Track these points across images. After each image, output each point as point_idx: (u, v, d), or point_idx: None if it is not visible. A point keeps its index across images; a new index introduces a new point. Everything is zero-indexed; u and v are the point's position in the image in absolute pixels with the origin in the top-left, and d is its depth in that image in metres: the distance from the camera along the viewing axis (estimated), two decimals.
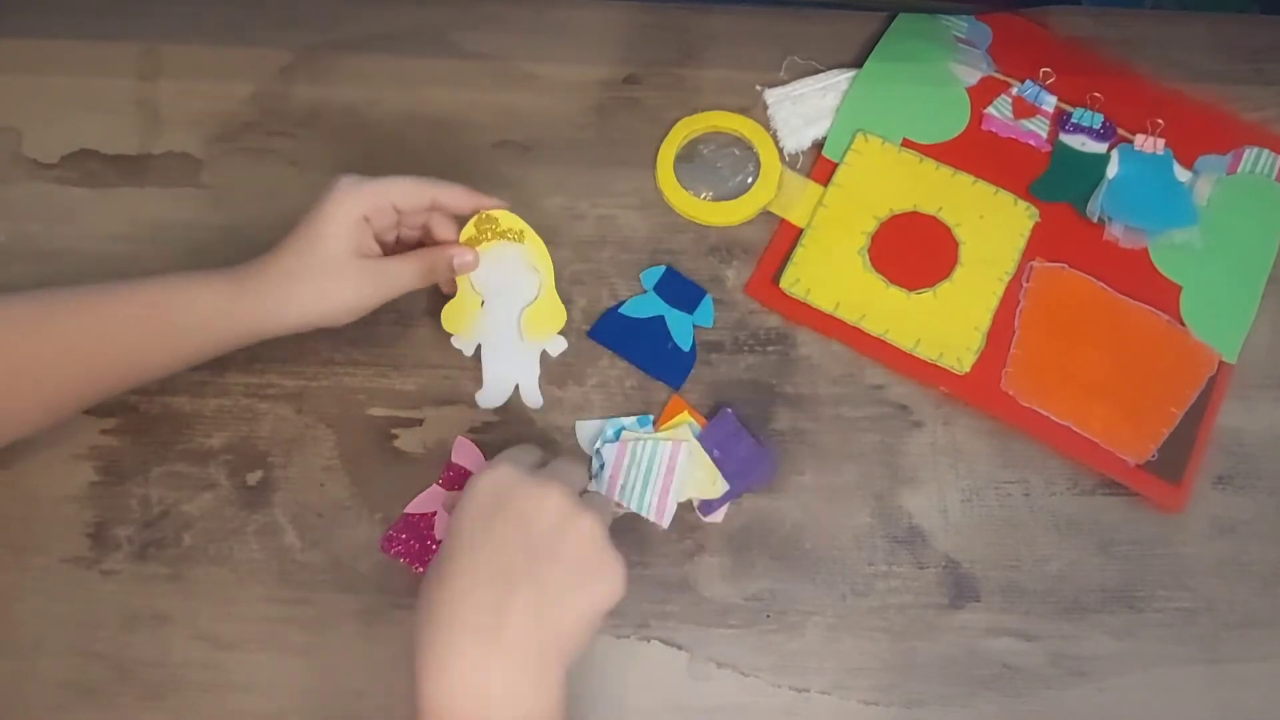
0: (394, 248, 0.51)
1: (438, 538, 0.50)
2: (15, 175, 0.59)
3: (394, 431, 0.53)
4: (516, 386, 0.54)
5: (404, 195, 0.49)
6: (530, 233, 0.53)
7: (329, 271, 0.47)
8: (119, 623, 0.50)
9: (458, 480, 0.52)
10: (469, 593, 0.39)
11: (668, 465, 0.51)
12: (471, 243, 0.52)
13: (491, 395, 0.53)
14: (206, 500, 0.52)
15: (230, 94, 0.61)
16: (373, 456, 0.53)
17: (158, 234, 0.57)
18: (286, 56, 0.62)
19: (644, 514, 0.51)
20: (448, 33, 0.63)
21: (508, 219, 0.52)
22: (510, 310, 0.53)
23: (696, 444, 0.52)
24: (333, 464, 0.53)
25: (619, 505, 0.51)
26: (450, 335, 0.54)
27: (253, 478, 0.52)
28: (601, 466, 0.52)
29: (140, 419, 0.53)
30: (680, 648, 0.50)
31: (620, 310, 0.56)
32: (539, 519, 0.40)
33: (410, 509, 0.51)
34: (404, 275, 0.50)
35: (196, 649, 0.49)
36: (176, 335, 0.47)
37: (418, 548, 0.50)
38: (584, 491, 0.45)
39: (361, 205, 0.48)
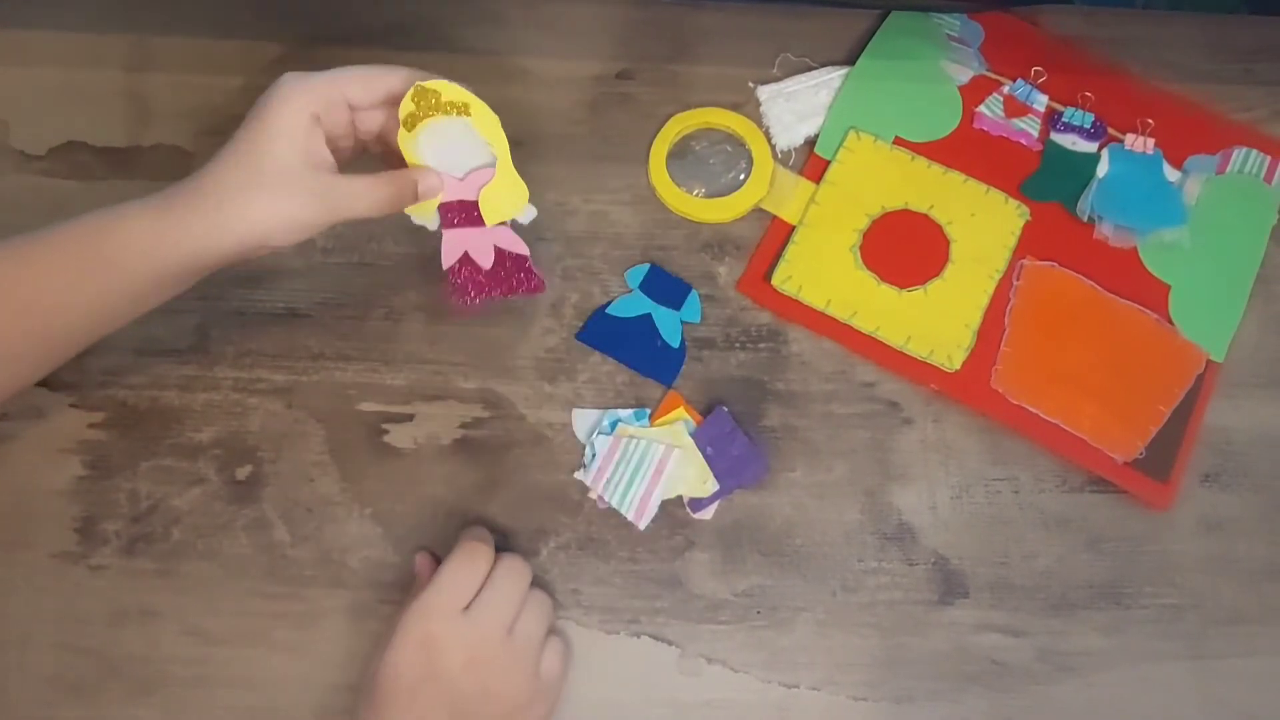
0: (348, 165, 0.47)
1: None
2: (3, 168, 0.58)
3: (384, 427, 0.53)
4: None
5: (357, 87, 0.45)
6: (477, 103, 0.47)
7: (273, 183, 0.42)
8: (107, 618, 0.49)
9: (453, 217, 0.49)
10: None
11: (656, 468, 0.51)
12: (411, 119, 0.46)
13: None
14: (195, 495, 0.52)
15: (221, 86, 0.60)
16: (363, 452, 0.53)
17: None
18: (277, 49, 0.62)
19: (624, 512, 0.51)
20: (440, 27, 0.63)
21: (451, 91, 0.47)
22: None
23: (690, 448, 0.52)
24: (322, 459, 0.53)
25: (600, 499, 0.51)
26: (410, 216, 0.49)
27: (242, 473, 0.52)
28: (593, 457, 0.52)
29: (128, 413, 0.53)
30: (670, 643, 0.50)
31: (608, 311, 0.56)
32: (467, 685, 0.43)
33: (446, 265, 0.50)
34: (362, 197, 0.44)
35: (185, 644, 0.49)
36: (111, 269, 0.42)
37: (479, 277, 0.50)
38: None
39: (311, 102, 0.43)
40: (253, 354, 0.54)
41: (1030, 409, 0.54)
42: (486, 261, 0.50)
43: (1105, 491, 0.53)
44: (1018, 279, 0.57)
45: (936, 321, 0.55)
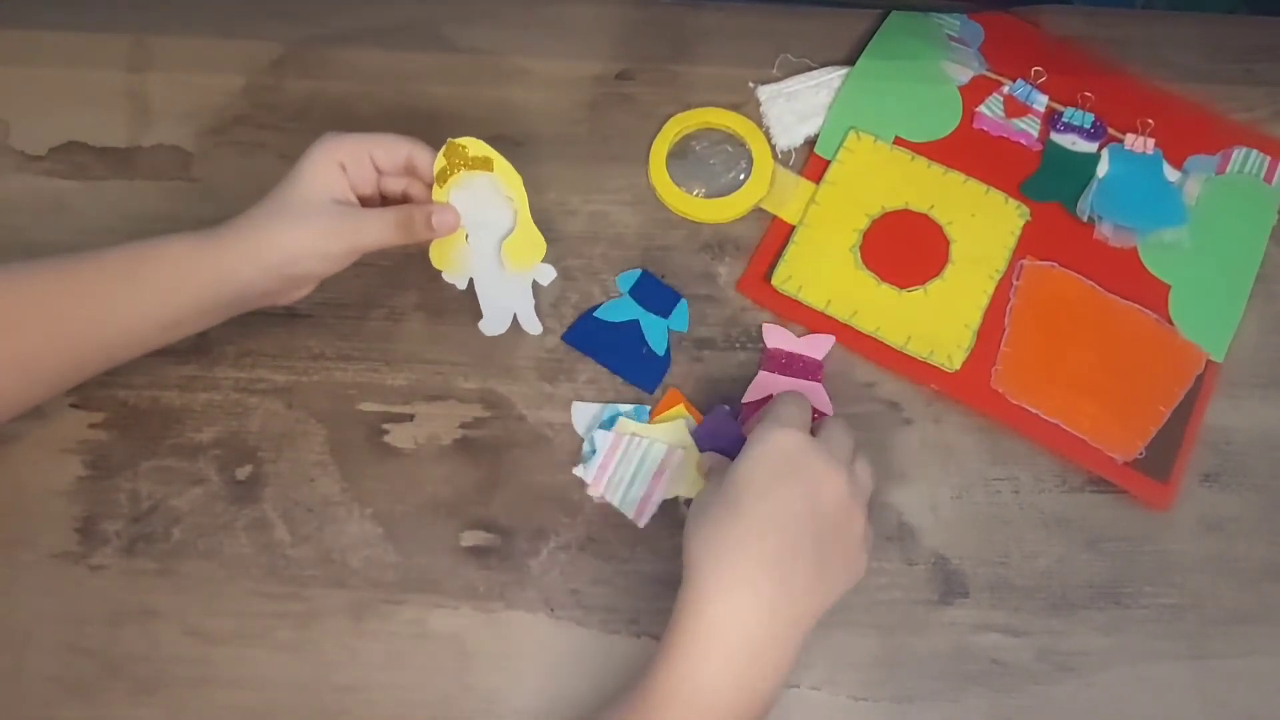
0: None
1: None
2: (3, 167, 0.58)
3: (385, 427, 0.53)
4: (515, 316, 0.54)
5: (382, 149, 0.49)
6: (498, 159, 0.52)
7: (299, 213, 0.47)
8: (108, 618, 0.49)
9: (777, 364, 0.53)
10: (755, 539, 0.41)
11: (657, 469, 0.51)
12: (443, 174, 0.51)
13: (492, 324, 0.53)
14: (196, 495, 0.52)
15: (221, 87, 0.60)
16: (363, 452, 0.53)
17: (147, 227, 0.56)
18: (278, 49, 0.62)
19: (624, 511, 0.51)
20: (440, 27, 0.63)
21: (476, 146, 0.51)
22: (491, 240, 0.53)
23: (691, 447, 0.52)
24: (323, 459, 0.53)
25: (604, 499, 0.51)
26: (440, 272, 0.53)
27: (242, 472, 0.52)
28: (593, 452, 0.52)
29: (129, 413, 0.53)
30: None
31: (596, 314, 0.56)
32: (825, 499, 0.42)
33: (748, 398, 0.53)
34: (378, 226, 0.49)
35: (186, 644, 0.49)
36: (149, 289, 0.46)
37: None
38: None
39: (339, 152, 0.48)
40: (253, 354, 0.54)
41: (1030, 409, 0.54)
42: None
43: (1105, 491, 0.53)
44: (1018, 279, 0.57)
45: (936, 321, 0.55)
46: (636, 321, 0.55)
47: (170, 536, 0.51)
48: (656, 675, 0.40)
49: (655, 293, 0.56)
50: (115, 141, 0.59)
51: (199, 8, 0.63)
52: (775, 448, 0.43)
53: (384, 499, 0.52)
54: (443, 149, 0.51)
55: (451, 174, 0.51)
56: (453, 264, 0.52)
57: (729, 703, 0.40)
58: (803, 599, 0.41)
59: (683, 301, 0.56)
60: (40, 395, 0.48)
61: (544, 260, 0.53)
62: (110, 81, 0.61)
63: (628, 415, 0.53)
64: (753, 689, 0.40)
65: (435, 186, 0.51)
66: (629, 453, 0.51)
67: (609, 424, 0.52)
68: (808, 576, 0.41)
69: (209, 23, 0.62)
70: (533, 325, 0.54)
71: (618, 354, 0.55)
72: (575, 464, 0.52)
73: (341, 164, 0.48)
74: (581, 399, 0.54)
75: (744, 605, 0.40)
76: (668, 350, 0.55)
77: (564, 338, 0.55)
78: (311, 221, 0.47)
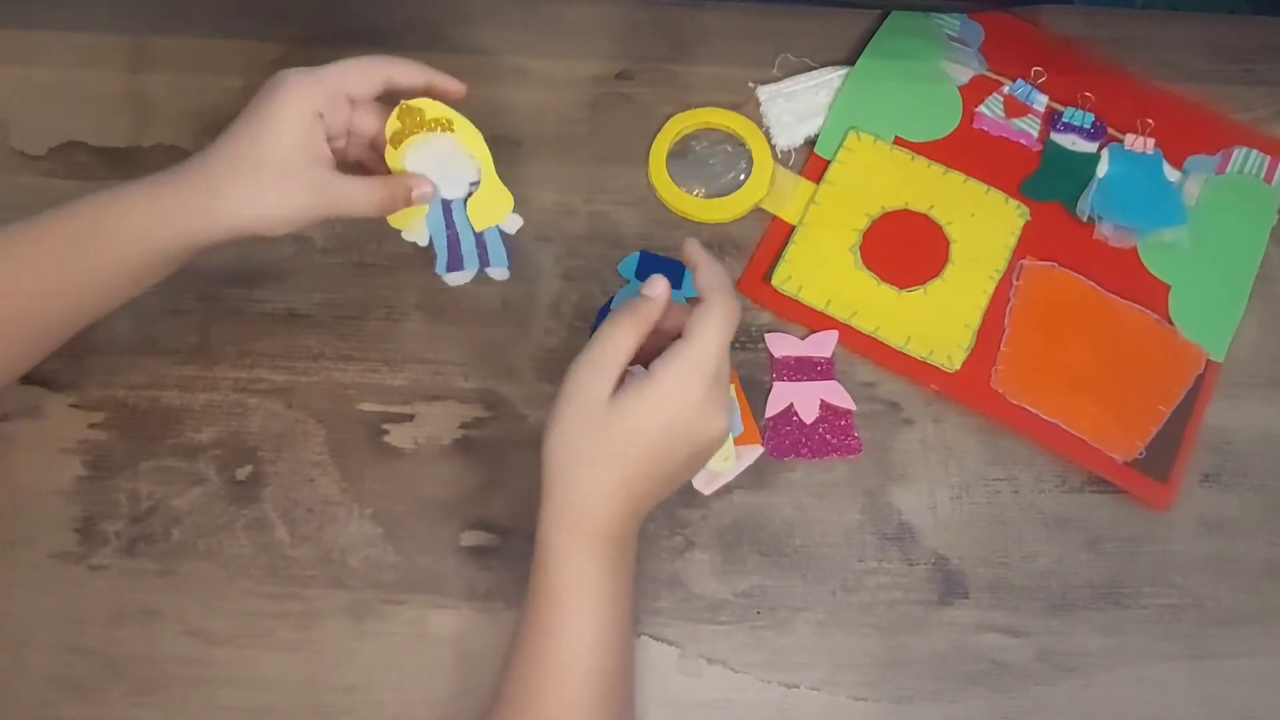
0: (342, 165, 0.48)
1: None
2: (3, 168, 0.58)
3: (384, 427, 0.53)
4: (480, 263, 0.52)
5: (358, 79, 0.46)
6: (460, 120, 0.50)
7: (274, 171, 0.43)
8: (107, 618, 0.49)
9: (787, 371, 0.54)
10: (625, 478, 0.42)
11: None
12: (398, 136, 0.48)
13: (456, 275, 0.51)
14: (195, 495, 0.52)
15: (221, 87, 0.60)
16: (363, 452, 0.53)
17: None
18: (277, 49, 0.62)
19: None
20: (440, 27, 0.63)
21: (434, 108, 0.49)
22: (454, 197, 0.51)
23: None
24: (323, 459, 0.53)
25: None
26: (399, 231, 0.50)
27: (242, 473, 0.52)
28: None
29: (129, 413, 0.53)
30: (670, 644, 0.50)
31: (612, 306, 0.56)
32: (702, 444, 0.43)
33: (770, 413, 0.53)
34: (356, 196, 0.45)
35: (185, 644, 0.49)
36: (105, 251, 0.43)
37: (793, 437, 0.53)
38: None
39: (315, 99, 0.44)
40: (253, 354, 0.54)
41: (1030, 409, 0.54)
42: (810, 415, 0.53)
43: (1105, 492, 0.53)
44: (1018, 279, 0.57)
45: (936, 322, 0.55)
46: None
47: (170, 537, 0.51)
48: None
49: (660, 268, 0.56)
50: (115, 141, 0.59)
51: (199, 8, 0.63)
52: (673, 405, 0.42)
53: (384, 499, 0.52)
54: (395, 111, 0.48)
55: (406, 136, 0.49)
56: (411, 222, 0.50)
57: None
58: (655, 492, 0.43)
59: (688, 270, 0.56)
60: (8, 371, 0.45)
61: (502, 194, 0.51)
62: (110, 81, 0.61)
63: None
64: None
65: (389, 149, 0.49)
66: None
67: None
68: (664, 482, 0.43)
69: (209, 23, 0.62)
70: (500, 271, 0.52)
71: None
72: None
73: (319, 112, 0.44)
74: None
75: (593, 498, 0.41)
76: None
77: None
78: (286, 189, 0.43)
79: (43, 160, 0.59)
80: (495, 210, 0.51)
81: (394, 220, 0.50)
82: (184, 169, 0.44)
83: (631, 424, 0.41)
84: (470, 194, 0.51)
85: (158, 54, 0.61)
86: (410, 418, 0.54)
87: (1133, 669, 0.50)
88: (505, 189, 0.51)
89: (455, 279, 0.52)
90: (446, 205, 0.51)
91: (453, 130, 0.50)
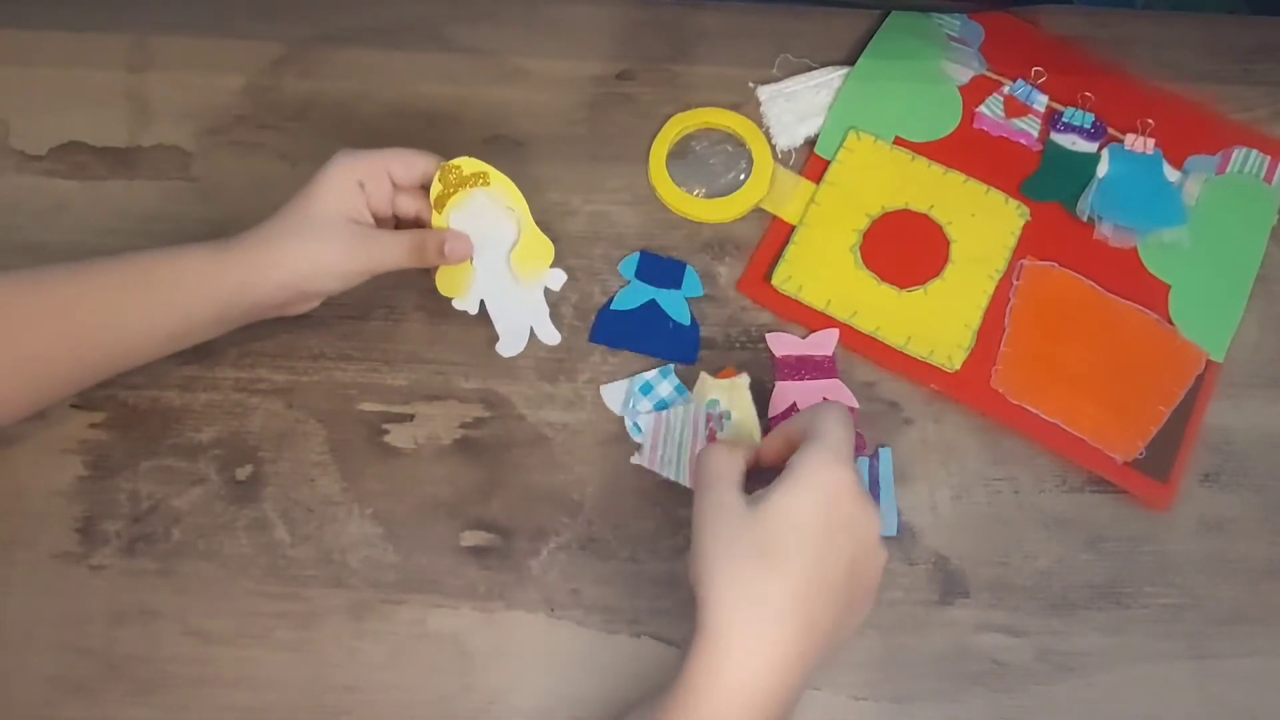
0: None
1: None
2: (3, 167, 0.58)
3: (385, 427, 0.53)
4: (532, 330, 0.54)
5: (400, 165, 0.50)
6: (495, 173, 0.52)
7: (316, 231, 0.47)
8: (107, 618, 0.49)
9: (789, 370, 0.54)
10: (791, 597, 0.38)
11: (692, 429, 0.51)
12: (441, 199, 0.51)
13: (509, 344, 0.54)
14: (196, 495, 0.52)
15: (221, 86, 0.60)
16: (363, 452, 0.53)
17: (147, 227, 0.57)
18: (278, 49, 0.62)
19: (684, 482, 0.50)
20: (440, 27, 0.63)
21: (470, 164, 0.52)
22: (498, 257, 0.53)
23: (745, 406, 0.51)
24: (323, 459, 0.53)
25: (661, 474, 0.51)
26: (450, 300, 0.53)
27: (242, 473, 0.52)
28: (638, 431, 0.52)
29: (129, 413, 0.53)
30: (672, 644, 0.50)
31: (612, 307, 0.56)
32: (863, 543, 0.40)
33: (773, 413, 0.53)
34: (392, 249, 0.49)
35: (185, 644, 0.49)
36: (161, 299, 0.47)
37: None
38: None
39: (357, 171, 0.48)
40: (253, 354, 0.54)
41: (1030, 409, 0.54)
42: None
43: (1105, 491, 0.53)
44: (1018, 279, 0.57)
45: (936, 321, 0.55)
46: (653, 300, 0.55)
47: (170, 536, 0.51)
48: None
49: (660, 267, 0.56)
50: (115, 141, 0.59)
51: (199, 8, 0.63)
52: (827, 494, 0.40)
53: (384, 499, 0.52)
54: (436, 174, 0.51)
55: (449, 197, 0.52)
56: (461, 289, 0.53)
57: None
58: (823, 647, 0.40)
59: (689, 267, 0.56)
60: (47, 399, 0.48)
61: (544, 243, 0.53)
62: (110, 81, 0.61)
63: (654, 381, 0.53)
64: None
65: (434, 213, 0.52)
66: (671, 428, 0.51)
67: (646, 390, 0.52)
68: (833, 623, 0.40)
69: (209, 23, 0.62)
70: (550, 336, 0.54)
71: (647, 338, 0.55)
72: (575, 464, 0.52)
73: (360, 182, 0.48)
74: (582, 399, 0.54)
75: (767, 666, 0.38)
76: (693, 318, 0.55)
77: (591, 339, 0.55)
78: (327, 241, 0.47)
79: (43, 160, 0.59)
80: (538, 260, 0.54)
81: (444, 289, 0.53)
82: (238, 236, 0.48)
83: (784, 521, 0.39)
84: (512, 246, 0.53)
85: (158, 54, 0.61)
86: (410, 418, 0.54)
87: (1133, 669, 0.50)
88: (545, 238, 0.54)
89: (507, 349, 0.54)
90: (490, 272, 0.53)
91: (487, 183, 0.52)
